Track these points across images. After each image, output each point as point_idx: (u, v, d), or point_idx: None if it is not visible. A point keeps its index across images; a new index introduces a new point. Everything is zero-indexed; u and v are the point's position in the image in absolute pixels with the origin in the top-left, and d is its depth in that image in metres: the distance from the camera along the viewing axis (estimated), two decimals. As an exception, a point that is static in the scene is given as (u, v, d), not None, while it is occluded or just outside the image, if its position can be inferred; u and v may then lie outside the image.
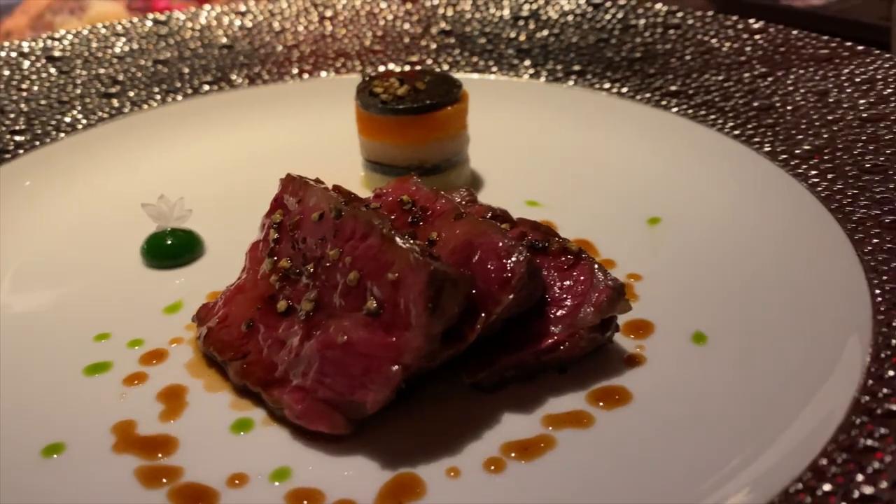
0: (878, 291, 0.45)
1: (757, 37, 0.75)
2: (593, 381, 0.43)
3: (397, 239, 0.40)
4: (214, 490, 0.38)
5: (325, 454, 0.39)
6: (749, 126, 0.63)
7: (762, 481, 0.36)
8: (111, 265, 0.55)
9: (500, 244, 0.42)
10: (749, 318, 0.48)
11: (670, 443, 0.40)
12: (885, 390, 0.38)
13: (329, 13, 0.87)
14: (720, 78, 0.70)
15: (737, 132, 0.63)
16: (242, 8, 0.86)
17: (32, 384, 0.45)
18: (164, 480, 0.38)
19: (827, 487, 0.34)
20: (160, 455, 0.40)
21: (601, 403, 0.42)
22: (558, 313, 0.43)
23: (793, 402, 0.40)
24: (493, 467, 0.38)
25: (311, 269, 0.43)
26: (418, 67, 0.77)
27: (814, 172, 0.56)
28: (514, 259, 0.41)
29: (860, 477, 0.34)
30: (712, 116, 0.66)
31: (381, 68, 0.78)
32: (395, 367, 0.37)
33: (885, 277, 0.46)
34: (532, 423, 0.41)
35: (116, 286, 0.53)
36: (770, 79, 0.69)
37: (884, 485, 0.33)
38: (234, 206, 0.60)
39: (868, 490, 0.33)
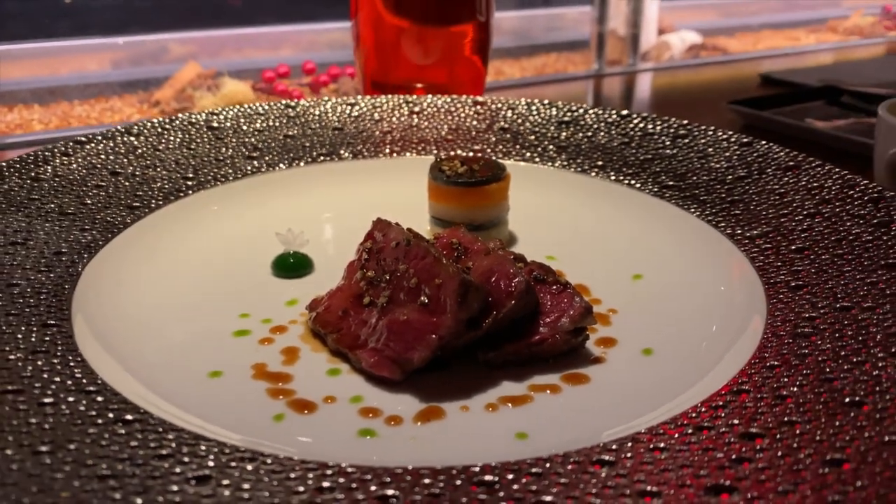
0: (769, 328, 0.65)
1: (744, 148, 0.96)
2: (566, 368, 0.65)
3: (444, 260, 0.63)
4: (315, 403, 0.60)
5: (385, 391, 0.61)
6: (720, 214, 0.85)
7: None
8: (251, 273, 0.80)
9: (510, 271, 0.64)
10: (687, 345, 0.68)
11: (610, 404, 0.60)
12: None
13: (417, 109, 1.13)
14: (707, 177, 0.92)
15: (709, 217, 0.84)
16: (352, 100, 1.12)
17: (202, 338, 0.69)
18: (282, 397, 0.61)
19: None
20: (280, 383, 0.63)
21: (569, 383, 0.63)
22: (546, 320, 0.65)
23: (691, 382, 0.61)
24: (490, 408, 0.60)
25: (388, 278, 0.66)
26: (478, 154, 1.02)
27: (755, 250, 0.77)
28: (516, 280, 0.63)
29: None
30: (695, 206, 0.87)
31: (451, 153, 1.03)
32: (433, 336, 0.60)
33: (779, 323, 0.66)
34: (521, 388, 0.62)
35: (254, 286, 0.78)
36: (747, 181, 0.90)
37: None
38: (336, 240, 0.84)
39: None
